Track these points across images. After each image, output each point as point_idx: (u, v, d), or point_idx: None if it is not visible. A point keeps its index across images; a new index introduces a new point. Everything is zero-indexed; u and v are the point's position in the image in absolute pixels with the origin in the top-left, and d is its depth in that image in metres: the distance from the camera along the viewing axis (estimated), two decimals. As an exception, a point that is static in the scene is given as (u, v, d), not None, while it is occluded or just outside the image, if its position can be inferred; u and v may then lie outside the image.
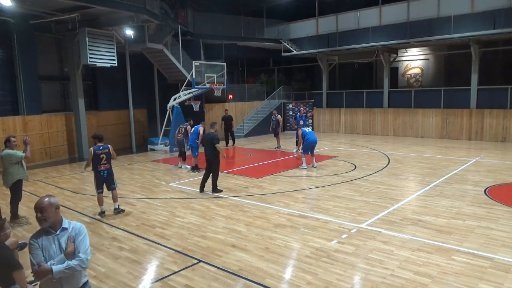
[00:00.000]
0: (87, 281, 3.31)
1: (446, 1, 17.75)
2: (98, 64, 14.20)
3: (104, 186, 7.80)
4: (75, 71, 14.63)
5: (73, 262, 2.99)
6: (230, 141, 18.16)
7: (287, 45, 22.85)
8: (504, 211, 7.41)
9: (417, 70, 23.16)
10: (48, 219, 3.07)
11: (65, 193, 9.92)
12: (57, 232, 3.12)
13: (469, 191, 8.90)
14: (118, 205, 8.00)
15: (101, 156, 7.55)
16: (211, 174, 9.42)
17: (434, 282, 4.73)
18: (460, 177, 10.39)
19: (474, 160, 12.83)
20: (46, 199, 3.09)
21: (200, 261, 5.56)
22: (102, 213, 7.79)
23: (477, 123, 17.81)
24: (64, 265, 2.96)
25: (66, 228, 3.16)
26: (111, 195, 7.98)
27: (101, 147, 7.59)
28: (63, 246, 3.07)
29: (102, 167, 7.60)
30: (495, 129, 17.38)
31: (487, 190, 8.95)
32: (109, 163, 7.67)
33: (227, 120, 17.92)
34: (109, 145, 7.71)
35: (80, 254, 3.05)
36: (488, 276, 4.83)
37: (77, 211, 8.26)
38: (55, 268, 2.92)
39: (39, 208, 3.05)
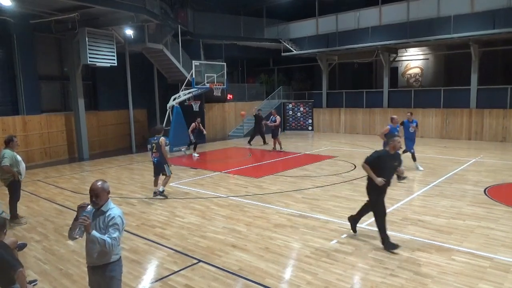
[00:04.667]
0: (115, 261, 3.55)
1: (446, 1, 17.74)
2: (98, 64, 14.20)
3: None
4: (75, 71, 14.63)
5: (101, 240, 3.30)
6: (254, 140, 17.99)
7: (287, 45, 22.84)
8: (504, 211, 7.42)
9: (417, 70, 23.17)
10: (99, 202, 3.46)
11: (65, 193, 9.91)
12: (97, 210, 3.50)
13: (469, 191, 8.90)
14: (161, 191, 8.98)
15: (152, 145, 8.86)
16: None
17: (434, 282, 4.73)
18: (460, 177, 10.39)
19: (474, 160, 12.83)
20: (99, 183, 3.48)
21: (200, 261, 5.56)
22: (155, 194, 9.03)
23: (477, 123, 17.81)
24: (98, 235, 3.31)
25: (104, 212, 3.47)
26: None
27: (154, 138, 8.84)
28: (97, 224, 3.44)
29: (153, 155, 8.98)
30: (494, 129, 17.38)
31: (487, 190, 8.96)
32: (159, 152, 8.78)
33: (260, 119, 17.57)
34: (162, 138, 8.76)
35: (106, 237, 3.34)
36: (488, 276, 4.83)
37: (77, 211, 8.26)
38: (94, 232, 3.32)
39: (94, 192, 3.44)
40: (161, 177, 9.11)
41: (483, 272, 4.94)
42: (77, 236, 3.29)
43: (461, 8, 17.22)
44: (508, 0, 16.00)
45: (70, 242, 6.25)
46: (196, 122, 14.78)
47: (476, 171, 11.05)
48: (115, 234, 3.38)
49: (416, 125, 11.35)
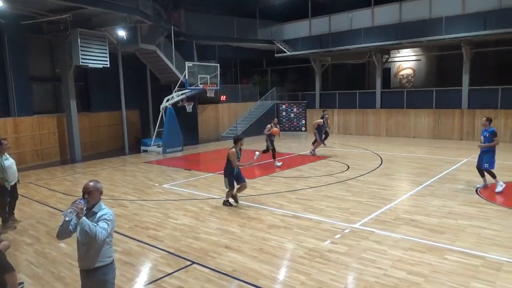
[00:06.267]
0: (108, 264, 3.54)
1: (438, 2, 17.89)
2: (90, 65, 14.10)
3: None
4: (67, 72, 14.52)
5: (92, 226, 3.29)
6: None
7: (280, 46, 22.88)
8: (495, 210, 7.49)
9: (409, 71, 23.33)
10: (91, 200, 3.47)
11: (57, 195, 9.83)
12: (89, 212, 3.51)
13: (461, 191, 8.97)
14: (224, 201, 8.43)
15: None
16: None
17: (427, 281, 4.76)
18: (452, 176, 10.48)
19: (466, 160, 12.93)
20: (92, 182, 3.51)
21: (193, 262, 5.54)
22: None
23: (469, 123, 17.97)
24: (89, 222, 3.30)
25: (95, 213, 3.49)
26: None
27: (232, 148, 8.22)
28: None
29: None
30: (486, 129, 17.52)
31: (478, 189, 9.03)
32: (227, 162, 8.11)
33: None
34: (232, 149, 8.05)
35: (96, 226, 3.36)
36: (480, 275, 4.88)
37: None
38: (84, 218, 3.28)
39: (87, 190, 3.46)
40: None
41: (475, 271, 4.98)
42: (67, 218, 3.23)
43: (453, 10, 17.36)
44: (499, 2, 16.18)
45: (63, 245, 6.21)
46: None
47: (467, 171, 11.13)
48: (105, 226, 3.40)
49: (488, 135, 8.60)
